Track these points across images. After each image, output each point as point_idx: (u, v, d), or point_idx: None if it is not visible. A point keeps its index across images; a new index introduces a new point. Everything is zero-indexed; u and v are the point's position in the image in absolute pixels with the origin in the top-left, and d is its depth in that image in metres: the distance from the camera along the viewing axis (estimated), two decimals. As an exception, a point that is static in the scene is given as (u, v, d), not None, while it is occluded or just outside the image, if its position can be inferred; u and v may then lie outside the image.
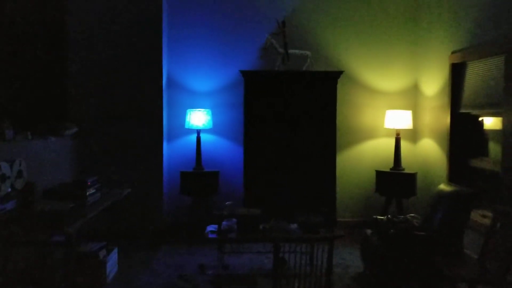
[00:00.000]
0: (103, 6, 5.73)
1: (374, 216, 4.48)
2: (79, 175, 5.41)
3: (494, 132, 4.86)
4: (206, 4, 6.17)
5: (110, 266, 4.50)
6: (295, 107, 5.77)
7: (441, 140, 5.50)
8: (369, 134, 6.34)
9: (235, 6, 6.18)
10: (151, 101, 5.80)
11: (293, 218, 4.67)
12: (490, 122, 4.96)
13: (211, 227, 4.51)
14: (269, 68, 6.05)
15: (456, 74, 5.20)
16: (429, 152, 5.90)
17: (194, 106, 6.11)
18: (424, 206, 4.87)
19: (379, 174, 5.99)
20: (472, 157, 5.09)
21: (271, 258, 2.91)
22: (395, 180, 5.86)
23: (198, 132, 5.94)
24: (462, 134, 5.19)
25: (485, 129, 5.05)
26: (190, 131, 6.14)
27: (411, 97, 6.29)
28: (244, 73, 5.76)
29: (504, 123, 4.22)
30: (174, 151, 6.19)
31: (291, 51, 5.88)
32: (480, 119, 5.06)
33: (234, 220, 4.51)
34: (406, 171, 5.92)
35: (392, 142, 6.08)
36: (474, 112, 4.95)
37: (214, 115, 6.13)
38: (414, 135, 6.28)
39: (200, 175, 5.88)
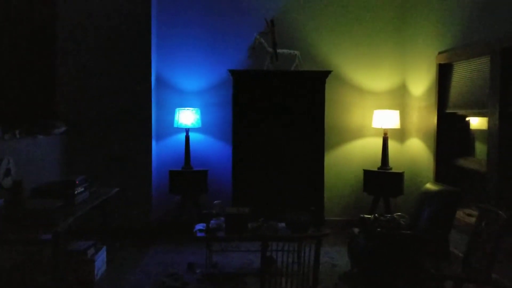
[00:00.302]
0: (92, 5, 5.72)
1: (361, 215, 4.50)
2: (68, 174, 5.40)
3: (480, 132, 4.93)
4: (195, 4, 6.16)
5: (99, 264, 4.49)
6: (283, 106, 5.78)
7: (428, 139, 5.55)
8: (357, 134, 6.38)
9: (224, 5, 6.18)
10: (140, 100, 5.80)
11: (281, 216, 4.70)
12: (476, 122, 5.02)
13: (199, 226, 4.53)
14: (257, 68, 6.06)
15: (443, 75, 5.25)
16: (416, 151, 5.95)
17: (183, 105, 6.10)
18: (411, 205, 4.91)
19: (367, 173, 6.03)
20: (459, 157, 5.15)
21: (259, 256, 2.92)
22: (382, 179, 5.90)
23: (187, 131, 5.94)
24: (449, 134, 5.25)
25: (471, 129, 5.11)
26: (179, 130, 6.13)
27: (398, 97, 6.34)
28: (232, 72, 5.77)
29: (489, 123, 4.28)
30: (163, 150, 6.18)
31: (279, 50, 5.90)
32: (466, 119, 5.12)
33: (223, 219, 4.53)
34: (394, 170, 5.97)
35: (379, 141, 6.12)
36: (461, 112, 5.01)
37: (203, 114, 6.13)
38: (401, 134, 6.33)
39: (189, 174, 5.88)
